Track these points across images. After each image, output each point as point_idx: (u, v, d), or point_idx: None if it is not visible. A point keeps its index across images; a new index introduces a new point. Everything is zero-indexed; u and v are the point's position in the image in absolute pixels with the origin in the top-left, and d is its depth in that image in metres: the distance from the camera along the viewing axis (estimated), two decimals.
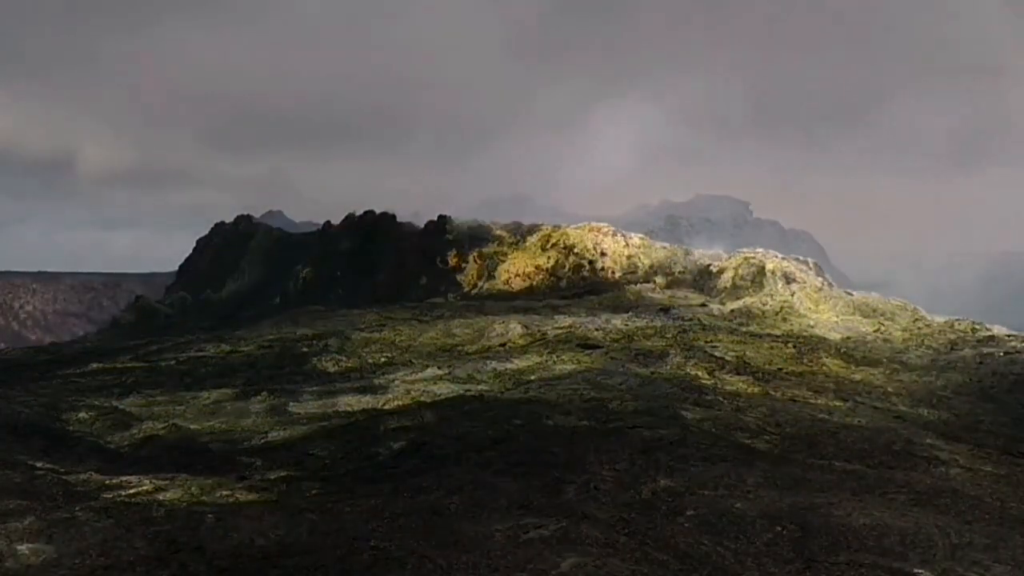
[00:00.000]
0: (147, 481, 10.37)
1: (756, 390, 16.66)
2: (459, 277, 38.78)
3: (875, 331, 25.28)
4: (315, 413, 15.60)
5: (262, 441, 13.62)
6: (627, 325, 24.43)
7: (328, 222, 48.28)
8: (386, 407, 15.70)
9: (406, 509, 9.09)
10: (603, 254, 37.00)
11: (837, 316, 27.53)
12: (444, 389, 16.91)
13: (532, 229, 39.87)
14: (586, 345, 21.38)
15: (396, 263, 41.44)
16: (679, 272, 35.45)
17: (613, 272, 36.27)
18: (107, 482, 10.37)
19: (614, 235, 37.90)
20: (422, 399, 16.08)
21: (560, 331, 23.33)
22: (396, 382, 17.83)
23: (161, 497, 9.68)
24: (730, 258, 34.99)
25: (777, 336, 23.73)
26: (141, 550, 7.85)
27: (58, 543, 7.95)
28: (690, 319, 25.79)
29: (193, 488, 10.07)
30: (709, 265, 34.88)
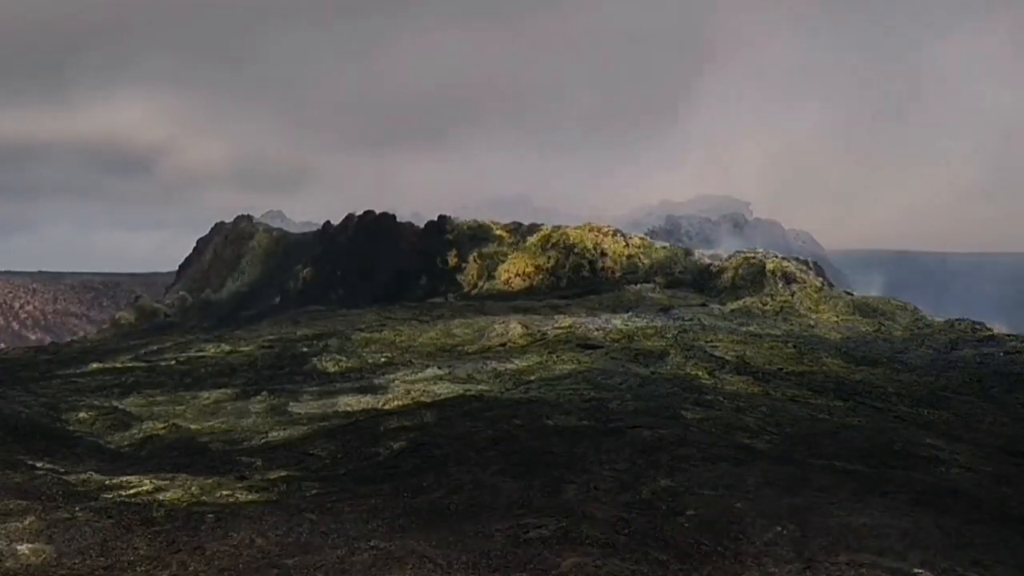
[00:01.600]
0: (147, 481, 10.38)
1: (756, 390, 16.66)
2: (459, 277, 38.79)
3: (875, 331, 25.29)
4: (315, 413, 15.60)
5: (262, 441, 13.62)
6: (627, 325, 24.43)
7: (328, 222, 48.34)
8: (386, 407, 15.70)
9: (406, 509, 9.10)
10: (603, 254, 37.02)
11: (837, 316, 27.54)
12: (444, 389, 16.91)
13: (532, 229, 39.89)
14: (586, 345, 21.38)
15: (396, 263, 41.45)
16: (679, 272, 35.47)
17: (613, 272, 36.29)
18: (107, 482, 10.37)
19: (614, 235, 37.93)
20: (422, 399, 16.08)
21: (560, 331, 23.33)
22: (396, 382, 17.83)
23: (161, 497, 9.68)
24: (730, 258, 35.04)
25: (777, 336, 23.73)
26: (141, 550, 7.85)
27: (58, 543, 7.96)
28: (690, 319, 25.79)
29: (193, 488, 10.07)
30: (709, 265, 34.92)
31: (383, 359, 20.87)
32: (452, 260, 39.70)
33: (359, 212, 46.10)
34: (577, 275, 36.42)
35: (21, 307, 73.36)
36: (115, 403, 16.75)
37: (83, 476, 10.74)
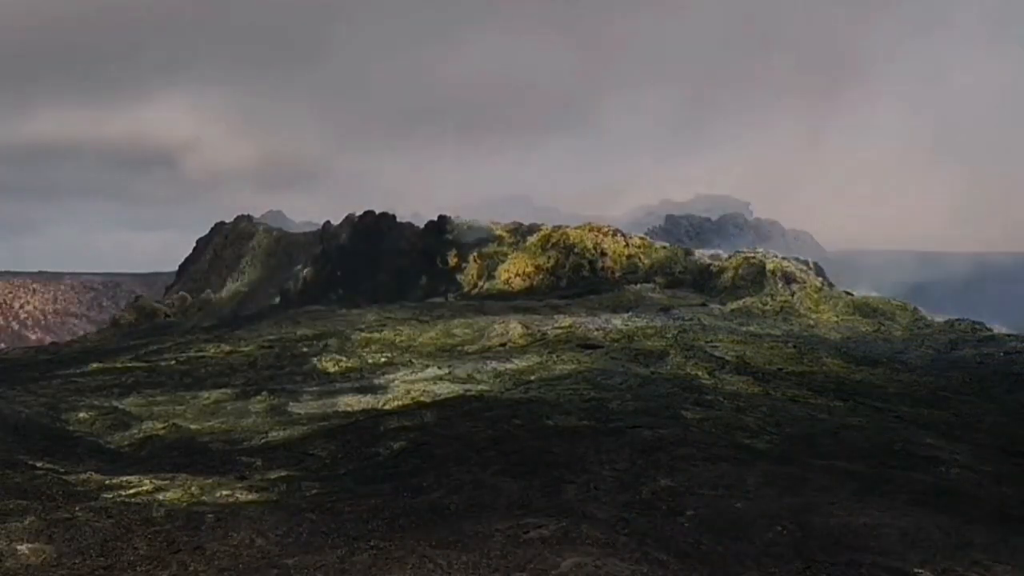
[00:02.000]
0: (147, 481, 10.38)
1: (756, 390, 16.66)
2: (459, 277, 38.80)
3: (875, 331, 25.29)
4: (315, 413, 15.61)
5: (262, 441, 13.63)
6: (627, 325, 24.44)
7: (328, 222, 48.37)
8: (386, 407, 15.70)
9: (406, 509, 9.10)
10: (603, 254, 37.03)
11: (837, 316, 27.55)
12: (444, 389, 16.91)
13: (532, 229, 39.90)
14: (586, 345, 21.39)
15: (396, 263, 41.46)
16: (679, 272, 35.48)
17: (613, 272, 36.30)
18: (107, 482, 10.37)
19: (614, 235, 37.94)
20: (422, 399, 16.08)
21: (560, 331, 23.33)
22: (396, 382, 17.84)
23: (161, 497, 9.68)
24: (730, 258, 35.05)
25: (777, 336, 23.73)
26: (141, 550, 7.85)
27: (58, 543, 7.95)
28: (690, 319, 25.80)
29: (193, 488, 10.07)
30: (709, 265, 34.93)
31: (383, 359, 20.87)
32: (452, 260, 39.72)
33: (359, 212, 46.14)
34: (577, 275, 36.42)
35: (21, 307, 73.38)
36: (115, 403, 16.75)
37: (83, 476, 10.74)
